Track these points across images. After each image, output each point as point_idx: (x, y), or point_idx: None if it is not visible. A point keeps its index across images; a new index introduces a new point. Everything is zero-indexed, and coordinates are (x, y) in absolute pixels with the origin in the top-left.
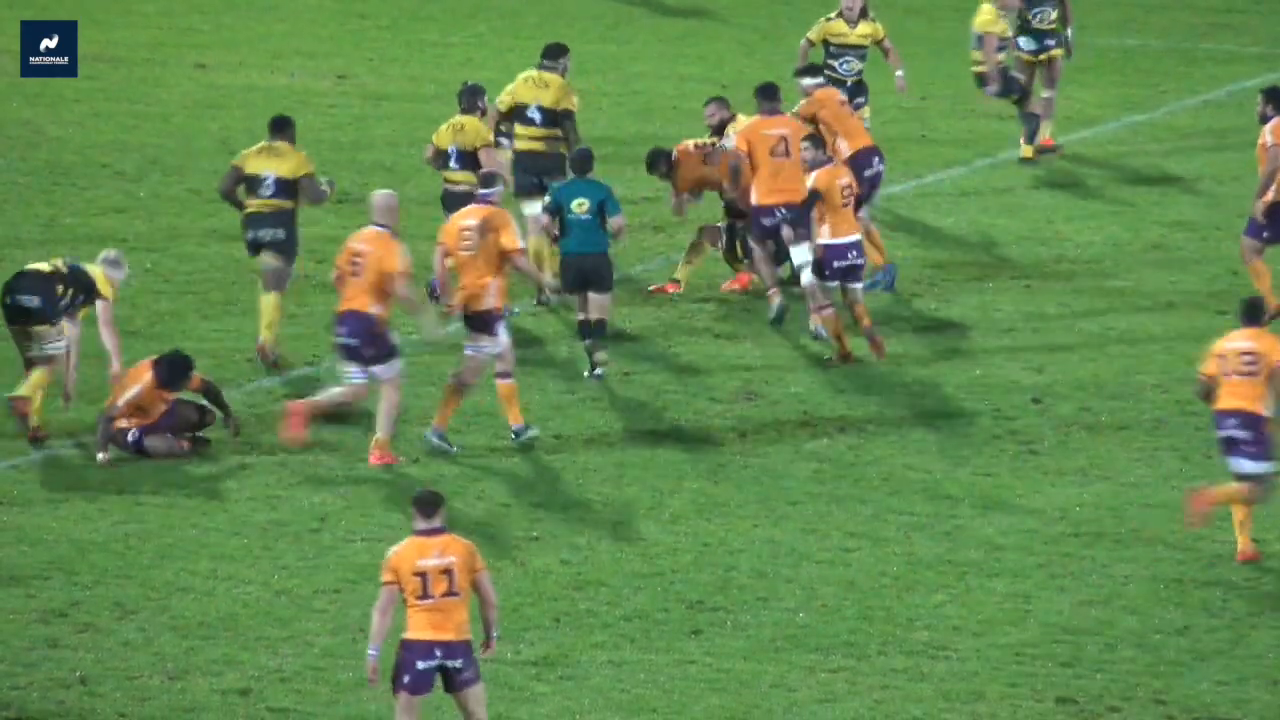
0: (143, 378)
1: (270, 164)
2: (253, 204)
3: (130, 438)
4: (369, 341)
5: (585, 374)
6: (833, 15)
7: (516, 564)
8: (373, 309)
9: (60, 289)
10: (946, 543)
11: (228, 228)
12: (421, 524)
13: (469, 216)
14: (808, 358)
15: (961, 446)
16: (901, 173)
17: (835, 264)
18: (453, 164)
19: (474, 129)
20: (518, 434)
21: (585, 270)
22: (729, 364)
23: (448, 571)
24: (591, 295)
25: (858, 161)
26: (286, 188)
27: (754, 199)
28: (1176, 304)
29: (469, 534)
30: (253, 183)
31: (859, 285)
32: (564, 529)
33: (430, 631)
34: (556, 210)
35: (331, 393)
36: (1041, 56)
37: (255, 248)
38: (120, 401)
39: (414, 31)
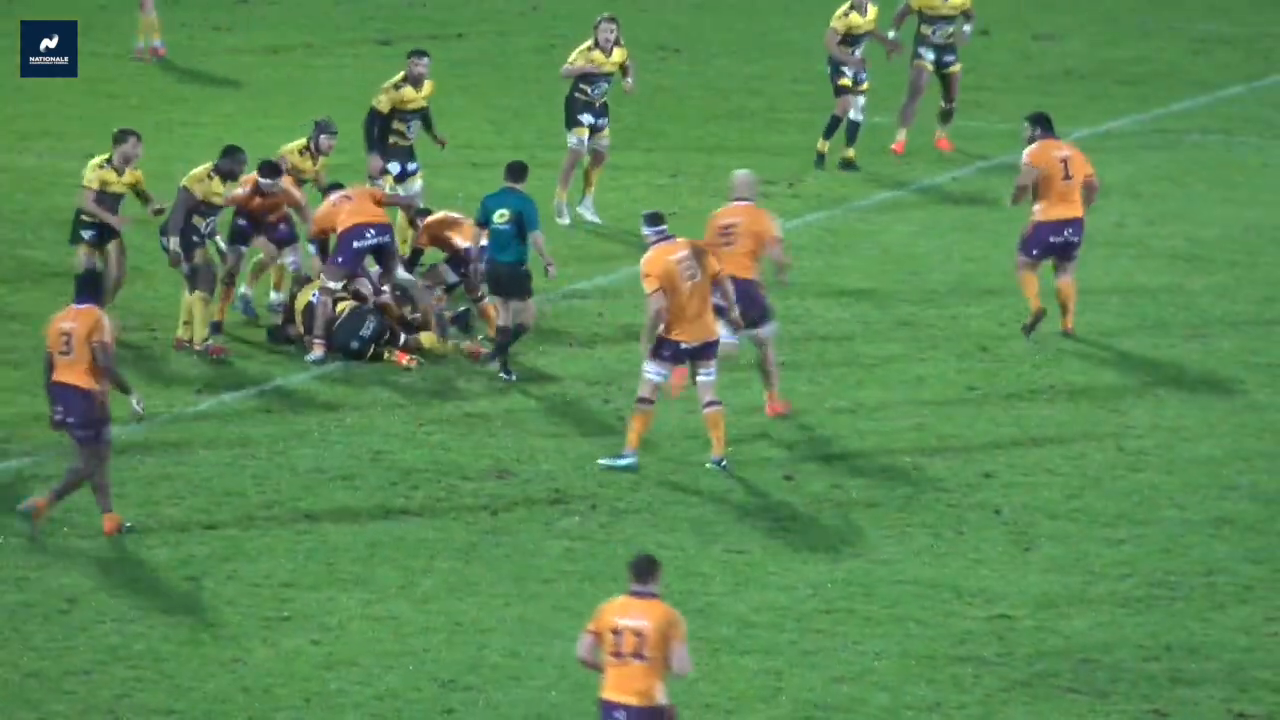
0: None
1: None
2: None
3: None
4: (751, 304)
5: (501, 375)
6: (592, 47)
7: (267, 645)
8: (752, 274)
9: None
10: (699, 619)
11: None
12: (634, 586)
13: (675, 250)
14: (558, 436)
15: (714, 524)
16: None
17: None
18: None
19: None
20: (718, 463)
21: (502, 278)
22: (479, 442)
23: (640, 634)
24: (513, 303)
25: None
26: None
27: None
28: (927, 379)
29: (217, 614)
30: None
31: None
32: (315, 608)
33: (613, 692)
34: (485, 221)
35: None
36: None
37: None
38: None
39: (163, 111)
